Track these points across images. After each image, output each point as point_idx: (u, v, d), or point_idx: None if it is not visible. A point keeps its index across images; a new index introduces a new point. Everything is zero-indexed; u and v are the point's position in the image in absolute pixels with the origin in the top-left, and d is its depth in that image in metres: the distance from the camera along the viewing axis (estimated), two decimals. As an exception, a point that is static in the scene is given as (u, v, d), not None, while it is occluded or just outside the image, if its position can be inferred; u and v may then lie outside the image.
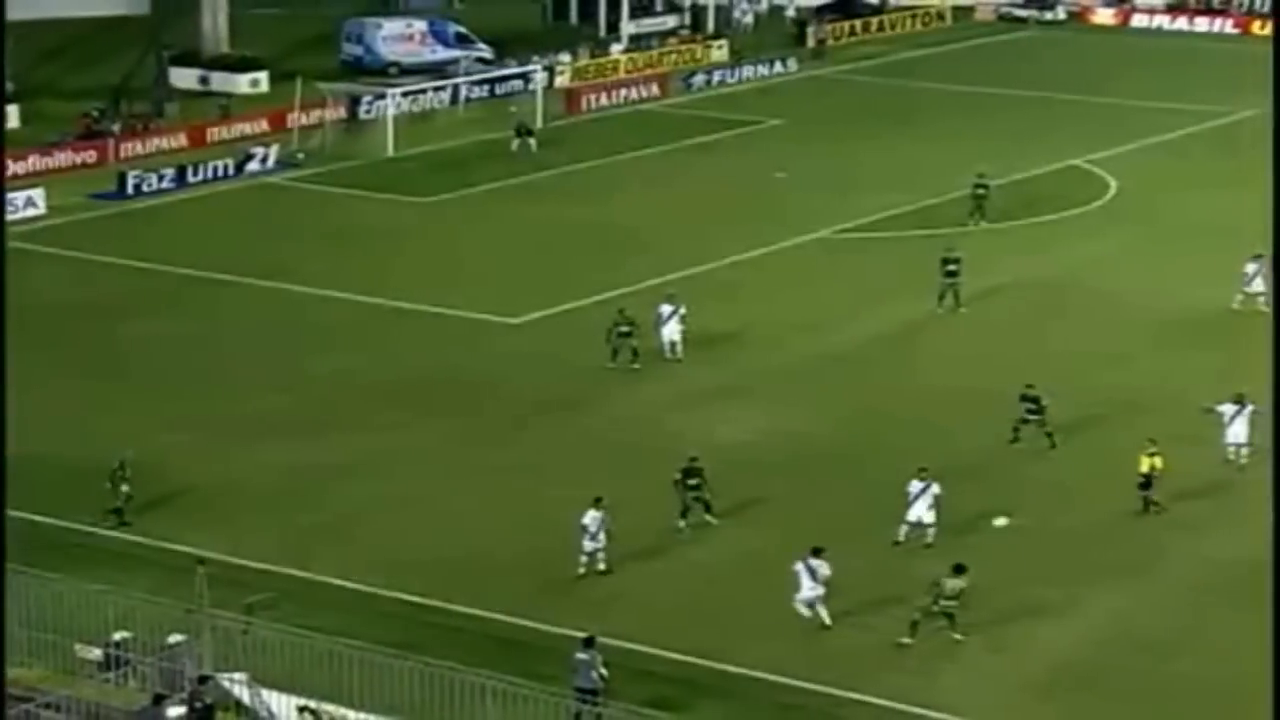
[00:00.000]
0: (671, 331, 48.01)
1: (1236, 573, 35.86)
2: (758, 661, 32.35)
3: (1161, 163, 71.51)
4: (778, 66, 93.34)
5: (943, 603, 33.28)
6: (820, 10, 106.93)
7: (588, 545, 35.71)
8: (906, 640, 33.03)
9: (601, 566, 35.77)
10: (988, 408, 43.70)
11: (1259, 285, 51.27)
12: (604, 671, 30.13)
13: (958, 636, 33.20)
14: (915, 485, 37.04)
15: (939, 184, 66.10)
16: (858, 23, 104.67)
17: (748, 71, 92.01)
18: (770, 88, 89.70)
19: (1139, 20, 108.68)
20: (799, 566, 33.43)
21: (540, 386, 46.56)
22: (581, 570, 35.74)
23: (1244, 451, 40.72)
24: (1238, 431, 40.70)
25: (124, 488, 37.52)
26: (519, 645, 32.86)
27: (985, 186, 61.62)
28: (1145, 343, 49.65)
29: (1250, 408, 40.62)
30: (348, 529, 38.07)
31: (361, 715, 28.84)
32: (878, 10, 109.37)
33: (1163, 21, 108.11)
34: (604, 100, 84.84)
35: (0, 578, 26.83)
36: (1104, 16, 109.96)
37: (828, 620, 33.35)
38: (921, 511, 36.89)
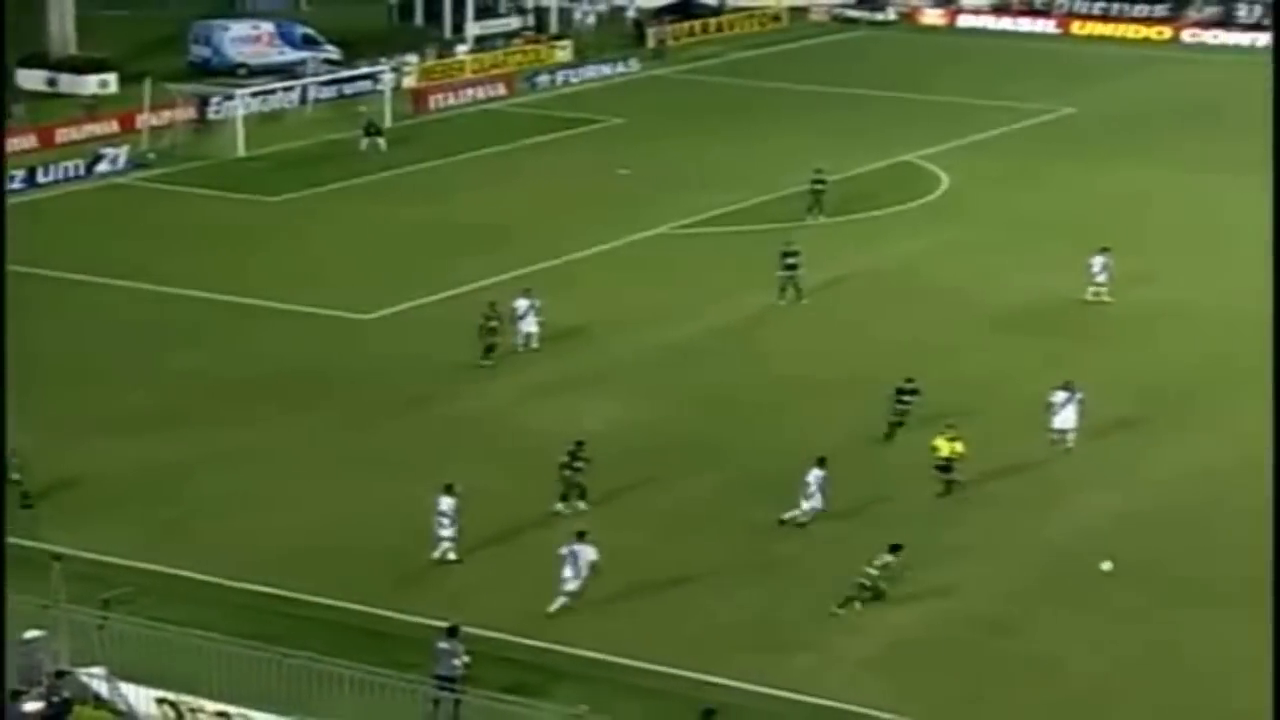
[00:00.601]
0: (528, 324, 47.90)
1: (1063, 553, 36.46)
2: (612, 645, 32.27)
3: (989, 159, 72.36)
4: (620, 66, 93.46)
5: (869, 572, 33.58)
6: (660, 11, 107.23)
7: (443, 532, 35.48)
8: (838, 610, 33.41)
9: (452, 555, 35.55)
10: (831, 396, 44.10)
11: (1103, 277, 51.96)
12: (466, 659, 29.91)
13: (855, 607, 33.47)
14: (816, 474, 37.11)
15: (777, 180, 66.43)
16: (697, 24, 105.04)
17: (590, 71, 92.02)
18: (613, 87, 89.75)
19: (965, 20, 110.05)
20: (565, 550, 33.35)
21: (395, 381, 46.19)
22: (436, 556, 35.51)
23: (1070, 436, 41.34)
24: (1066, 418, 41.30)
25: (14, 476, 36.76)
26: (376, 635, 32.53)
27: (823, 182, 62.01)
28: (978, 332, 50.19)
29: (1078, 395, 41.24)
30: (205, 523, 37.52)
31: (220, 707, 28.46)
32: (716, 11, 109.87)
33: (988, 21, 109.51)
34: (451, 100, 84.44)
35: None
36: (932, 17, 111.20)
37: (553, 608, 33.25)
38: (816, 499, 37.09)
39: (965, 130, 76.71)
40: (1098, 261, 52.18)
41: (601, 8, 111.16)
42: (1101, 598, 34.58)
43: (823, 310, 51.99)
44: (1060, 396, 41.36)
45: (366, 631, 32.62)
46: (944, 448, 38.70)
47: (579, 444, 38.28)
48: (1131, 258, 54.54)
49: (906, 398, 41.92)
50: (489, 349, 47.06)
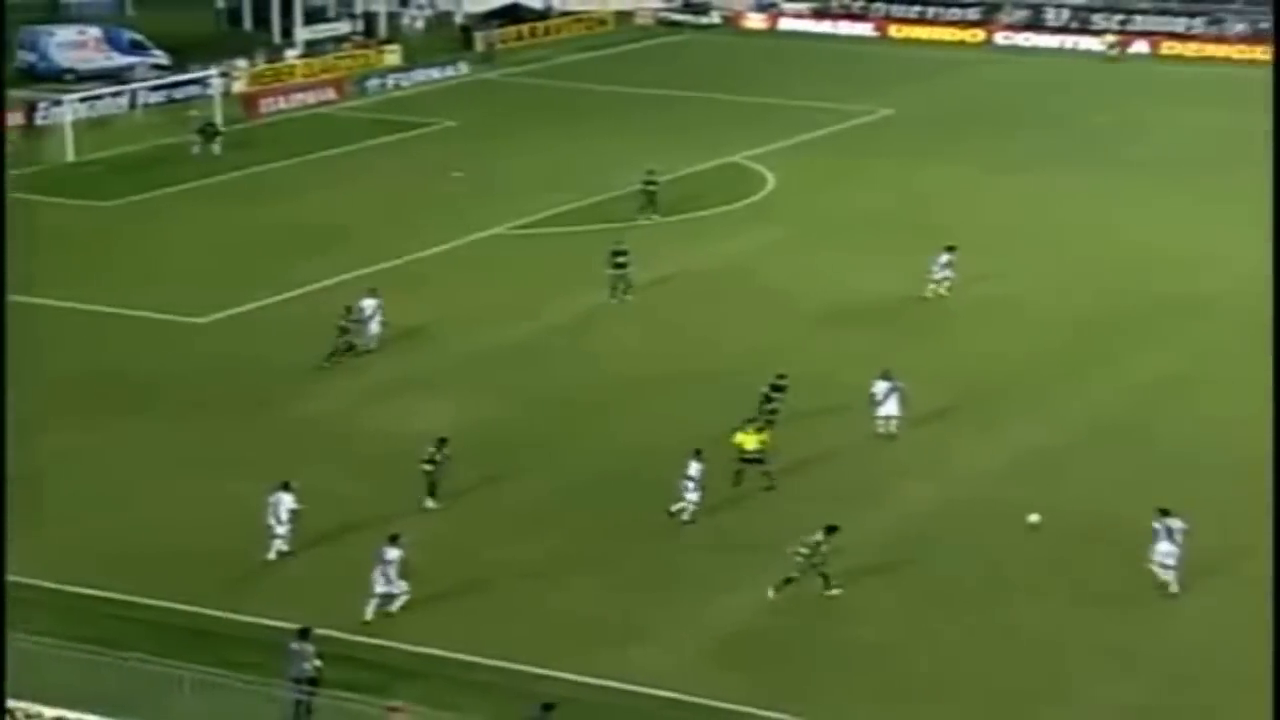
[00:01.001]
0: (375, 325, 47.68)
1: (892, 538, 36.85)
2: (452, 642, 32.07)
3: (813, 158, 72.91)
4: (449, 70, 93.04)
5: (811, 557, 33.67)
6: (488, 16, 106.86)
7: (279, 529, 35.16)
8: (772, 594, 33.67)
9: (286, 548, 35.25)
10: (661, 394, 44.18)
11: (946, 274, 52.49)
12: (318, 662, 29.55)
13: (833, 592, 33.91)
14: (695, 467, 37.08)
15: (608, 181, 66.50)
16: (525, 27, 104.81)
17: (420, 75, 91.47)
18: (443, 90, 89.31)
19: (786, 24, 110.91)
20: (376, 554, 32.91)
21: (232, 383, 45.57)
22: (272, 555, 35.20)
23: (893, 424, 41.91)
24: (889, 407, 41.91)
25: None
26: (213, 635, 32.07)
27: (655, 182, 62.17)
28: (804, 329, 50.52)
29: (899, 385, 41.87)
30: (39, 527, 36.58)
31: (59, 712, 27.88)
32: (543, 16, 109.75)
33: (809, 25, 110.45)
34: (282, 104, 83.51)
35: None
36: (755, 20, 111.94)
37: (395, 607, 32.85)
38: (691, 494, 37.13)
39: (789, 131, 77.26)
40: (942, 259, 52.61)
41: (429, 12, 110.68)
42: (928, 584, 35.01)
43: (652, 310, 52.09)
44: (881, 387, 41.96)
45: (198, 632, 32.13)
46: (748, 441, 38.61)
47: (442, 440, 38.07)
48: (977, 256, 55.62)
49: (776, 395, 41.87)
50: (344, 349, 46.72)
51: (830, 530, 33.95)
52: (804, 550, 33.79)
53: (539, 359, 47.89)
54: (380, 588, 32.75)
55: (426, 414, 42.71)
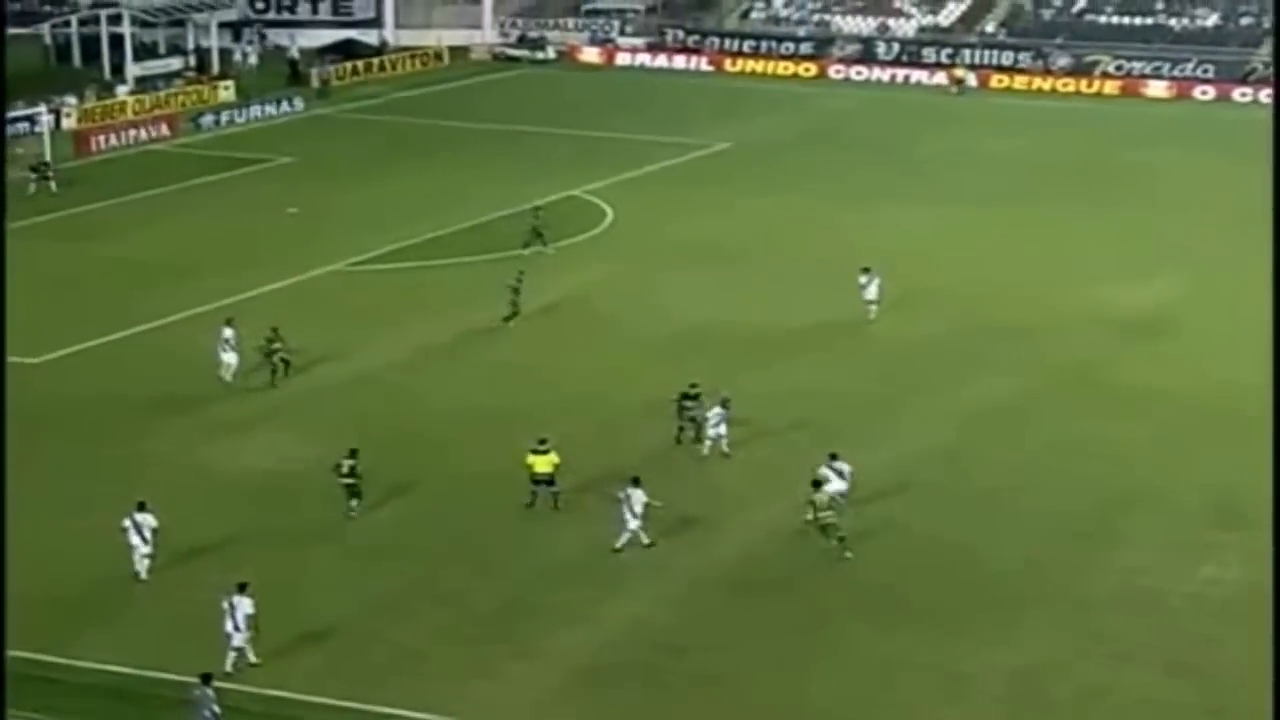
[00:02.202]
0: (231, 355, 47.99)
1: (735, 564, 37.22)
2: (294, 682, 31.91)
3: (651, 191, 73.49)
4: (284, 106, 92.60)
5: (820, 515, 36.39)
6: (323, 51, 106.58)
7: (144, 549, 35.48)
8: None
9: (144, 573, 35.56)
10: (503, 426, 44.24)
11: (872, 293, 53.90)
12: (217, 709, 29.39)
13: (849, 554, 36.58)
14: (637, 494, 37.27)
15: (446, 216, 66.62)
16: (360, 63, 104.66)
17: (255, 111, 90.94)
18: (278, 127, 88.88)
19: (623, 59, 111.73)
20: (225, 603, 32.57)
21: (66, 422, 44.98)
22: (144, 574, 35.51)
23: (724, 443, 42.81)
24: (722, 430, 42.79)
25: None
26: (43, 682, 31.53)
27: (539, 215, 62.86)
28: (645, 357, 50.91)
29: (728, 410, 42.66)
30: None
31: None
32: (378, 51, 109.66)
33: (644, 59, 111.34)
34: (114, 141, 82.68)
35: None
36: (590, 55, 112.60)
37: (253, 658, 32.61)
38: (632, 523, 37.32)
39: (628, 165, 77.83)
40: (865, 281, 53.94)
41: (261, 48, 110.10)
42: (765, 614, 35.29)
43: (493, 343, 52.23)
44: (718, 411, 42.77)
45: (27, 678, 31.50)
46: (540, 463, 39.16)
47: (352, 451, 39.12)
48: (810, 285, 56.46)
49: (689, 403, 43.28)
50: (275, 370, 47.90)
51: (817, 485, 37.03)
52: (823, 508, 36.48)
53: (376, 394, 47.74)
54: (238, 640, 32.34)
55: (267, 450, 42.51)
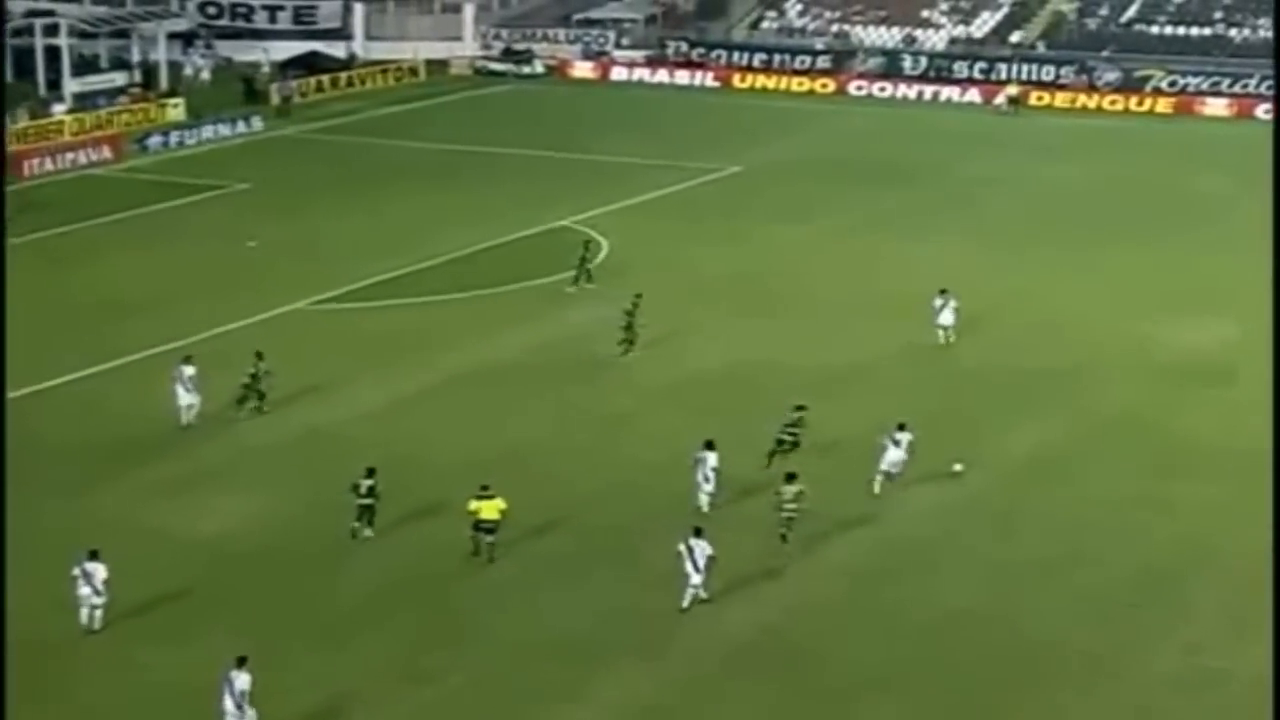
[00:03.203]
0: (191, 397, 48.72)
1: (748, 639, 37.33)
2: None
3: (652, 221, 73.70)
4: (241, 126, 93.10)
5: (786, 508, 40.30)
6: (284, 65, 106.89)
7: (96, 600, 36.49)
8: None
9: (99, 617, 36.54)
10: (491, 476, 44.23)
11: (947, 318, 56.01)
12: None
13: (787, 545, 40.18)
14: (700, 545, 37.68)
15: (421, 249, 66.90)
16: (325, 78, 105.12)
17: (208, 131, 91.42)
18: (234, 149, 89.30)
19: (619, 73, 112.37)
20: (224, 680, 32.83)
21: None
22: (97, 625, 36.51)
23: (704, 496, 42.89)
24: (703, 479, 42.81)
25: None
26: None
27: (588, 248, 64.03)
28: (647, 401, 51.01)
29: (711, 462, 42.77)
30: None
31: None
32: (346, 65, 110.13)
33: (643, 74, 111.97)
34: (50, 165, 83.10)
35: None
36: (583, 70, 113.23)
37: None
38: (695, 578, 37.81)
39: (625, 192, 78.15)
40: (940, 304, 56.10)
41: (213, 61, 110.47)
42: (780, 690, 35.42)
43: (479, 389, 52.32)
44: (710, 457, 43.00)
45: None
46: (486, 509, 40.14)
47: (370, 471, 41.19)
48: (803, 320, 56.59)
49: (793, 427, 45.72)
50: (254, 397, 49.50)
51: (791, 478, 40.77)
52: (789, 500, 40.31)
53: (343, 447, 47.59)
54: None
55: (213, 513, 42.64)
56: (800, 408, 46.09)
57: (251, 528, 42.19)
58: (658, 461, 45.95)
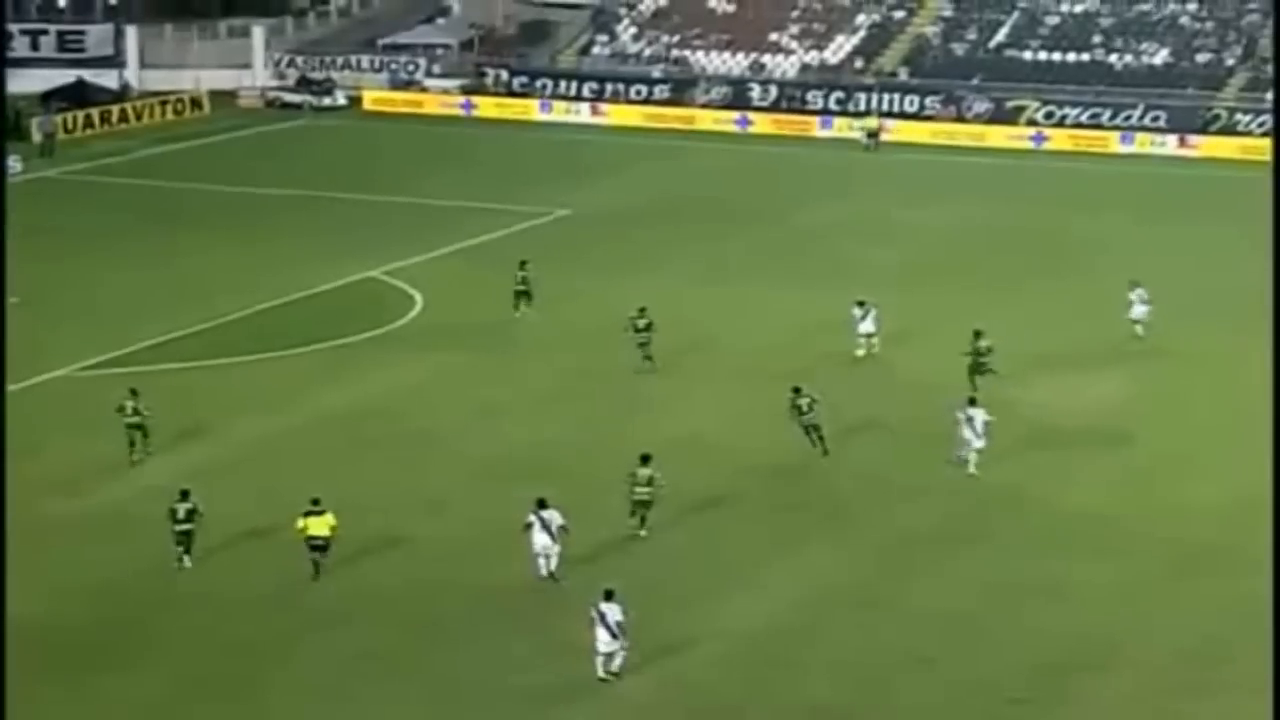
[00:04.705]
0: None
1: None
2: None
3: (470, 272, 73.41)
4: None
5: (638, 490, 45.22)
6: (47, 97, 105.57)
7: None
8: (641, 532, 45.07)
9: None
10: (279, 555, 43.76)
11: (868, 326, 61.09)
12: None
13: (643, 533, 45.37)
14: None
15: (201, 307, 66.21)
16: (95, 112, 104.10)
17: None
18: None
19: (431, 105, 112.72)
20: None
21: None
22: None
23: (552, 562, 43.34)
24: (544, 542, 43.13)
25: None
26: None
27: (525, 267, 66.48)
28: (468, 478, 50.47)
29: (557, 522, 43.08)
30: None
31: None
32: (119, 97, 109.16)
33: (459, 105, 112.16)
34: None
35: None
36: (390, 101, 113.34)
37: None
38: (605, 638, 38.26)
39: (441, 239, 77.98)
40: (860, 314, 60.99)
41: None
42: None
43: (276, 459, 51.64)
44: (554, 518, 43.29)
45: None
46: (315, 526, 43.06)
47: (184, 493, 44.30)
48: (662, 391, 56.57)
49: (805, 405, 51.65)
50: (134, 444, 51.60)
51: (645, 460, 45.55)
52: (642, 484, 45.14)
53: (115, 535, 46.70)
54: None
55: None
56: (797, 389, 51.65)
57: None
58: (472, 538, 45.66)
